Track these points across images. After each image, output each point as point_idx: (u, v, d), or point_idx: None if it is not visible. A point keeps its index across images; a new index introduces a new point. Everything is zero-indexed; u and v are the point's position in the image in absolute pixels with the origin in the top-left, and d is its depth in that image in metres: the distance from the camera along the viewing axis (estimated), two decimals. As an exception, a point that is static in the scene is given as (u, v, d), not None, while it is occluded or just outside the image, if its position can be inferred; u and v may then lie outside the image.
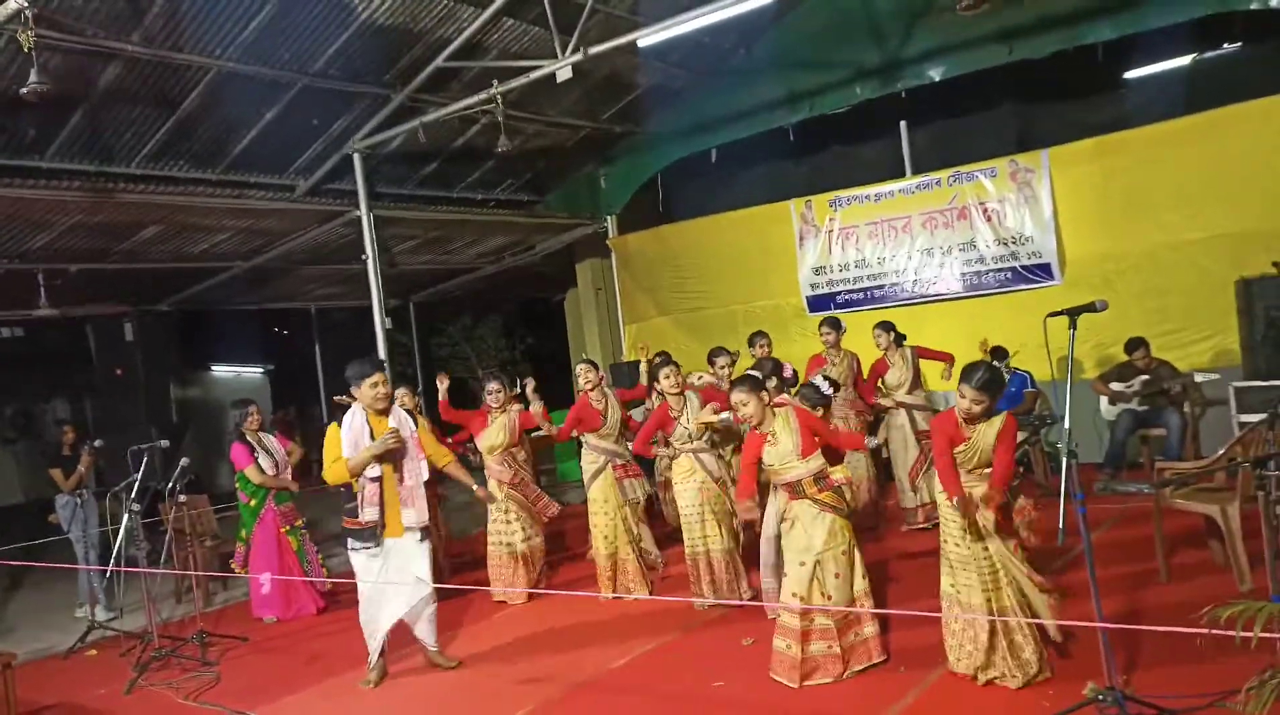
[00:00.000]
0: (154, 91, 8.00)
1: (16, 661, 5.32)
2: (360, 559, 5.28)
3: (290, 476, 7.32)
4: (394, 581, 5.26)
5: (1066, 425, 3.64)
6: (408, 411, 5.61)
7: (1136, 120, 9.22)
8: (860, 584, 4.69)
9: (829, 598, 4.56)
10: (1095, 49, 9.00)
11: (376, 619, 5.37)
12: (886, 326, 7.80)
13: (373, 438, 5.17)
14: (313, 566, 7.34)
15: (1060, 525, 3.52)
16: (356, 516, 5.19)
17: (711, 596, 6.03)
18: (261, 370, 19.85)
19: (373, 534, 5.19)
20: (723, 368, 7.10)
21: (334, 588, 7.49)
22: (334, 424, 5.23)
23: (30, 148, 8.06)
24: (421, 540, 5.34)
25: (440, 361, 17.60)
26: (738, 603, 5.90)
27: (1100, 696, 3.66)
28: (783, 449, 4.76)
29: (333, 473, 5.13)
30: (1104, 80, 9.67)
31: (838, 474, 4.75)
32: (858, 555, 4.71)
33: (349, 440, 5.16)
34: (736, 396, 4.86)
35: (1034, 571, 4.25)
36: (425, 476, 5.34)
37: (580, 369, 6.90)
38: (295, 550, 7.22)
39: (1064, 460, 3.55)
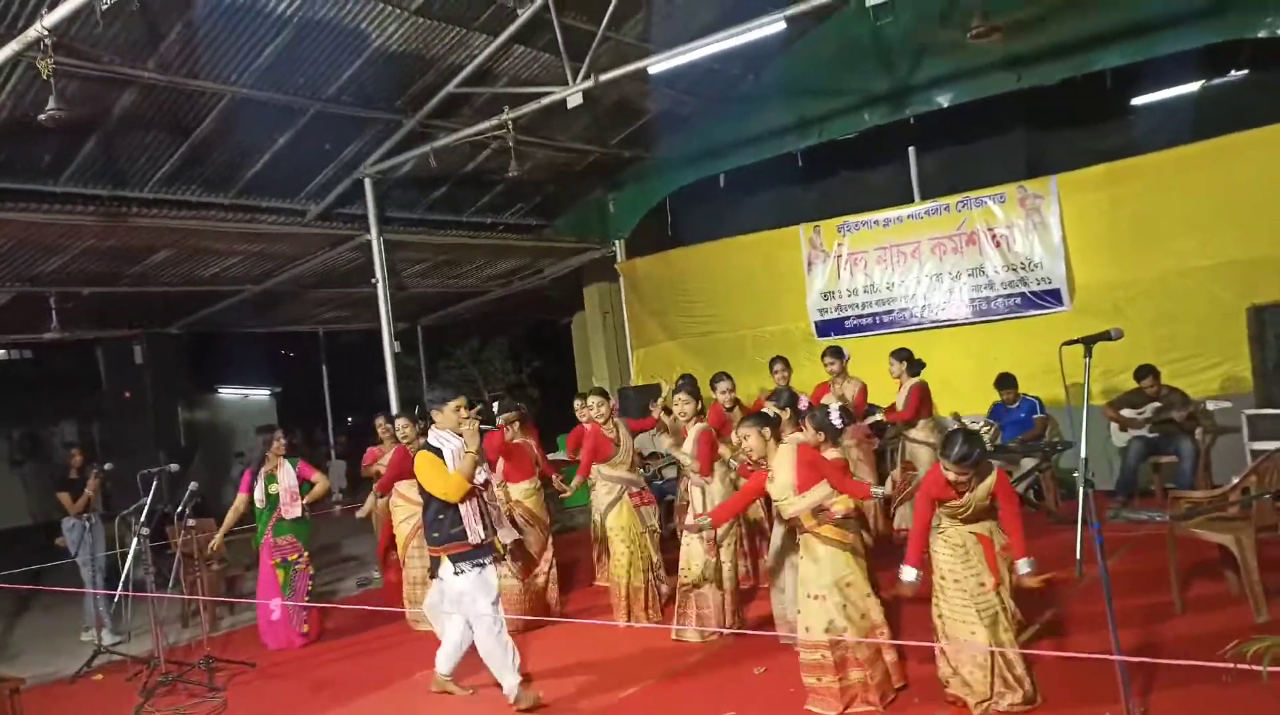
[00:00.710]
0: (168, 117, 8.07)
1: (24, 687, 5.28)
2: (472, 579, 5.07)
3: (297, 508, 7.15)
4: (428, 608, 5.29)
5: (1083, 454, 3.61)
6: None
7: (1146, 147, 9.23)
8: (875, 615, 4.62)
9: (844, 631, 4.51)
10: (1104, 76, 9.02)
11: (503, 641, 5.19)
12: (900, 355, 7.78)
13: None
14: (295, 601, 7.16)
15: (1078, 555, 3.48)
16: (464, 539, 5.04)
17: (716, 625, 6.00)
18: (269, 393, 19.87)
19: (491, 547, 5.13)
20: (724, 393, 7.11)
21: (322, 624, 7.44)
22: (425, 451, 5.11)
23: (45, 173, 8.12)
24: (495, 563, 5.30)
25: (448, 385, 17.62)
26: (750, 632, 5.87)
27: (1119, 729, 3.61)
28: (780, 484, 4.75)
29: (453, 488, 4.96)
30: (1113, 107, 9.69)
31: (838, 506, 4.66)
32: (867, 586, 4.64)
33: (450, 456, 5.06)
34: (741, 431, 4.90)
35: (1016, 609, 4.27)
36: None
37: (593, 401, 6.82)
38: (281, 584, 7.13)
39: (1081, 489, 3.52)
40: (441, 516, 5.06)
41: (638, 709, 5.05)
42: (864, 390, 7.91)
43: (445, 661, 5.50)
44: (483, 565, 5.10)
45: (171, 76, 7.52)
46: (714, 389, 7.25)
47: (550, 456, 9.50)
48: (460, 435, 5.06)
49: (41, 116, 5.82)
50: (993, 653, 4.18)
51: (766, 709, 4.71)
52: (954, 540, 4.31)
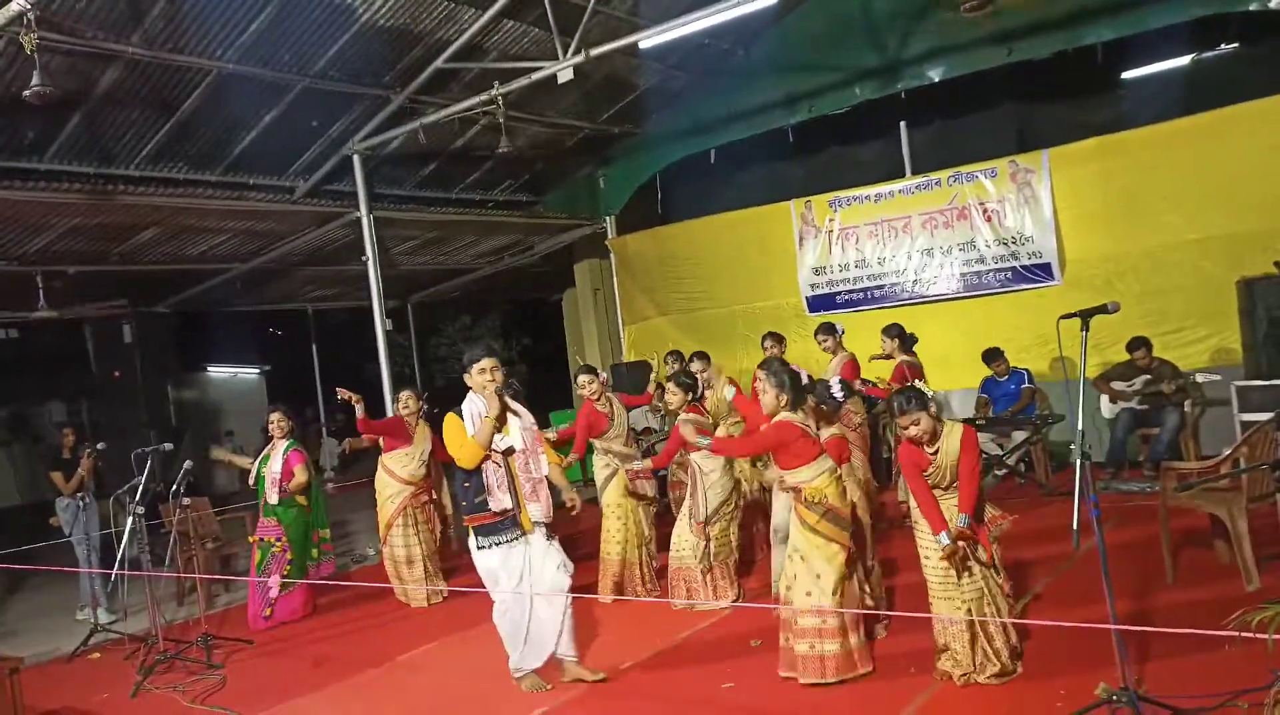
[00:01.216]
0: (154, 93, 7.99)
1: (22, 666, 5.27)
2: (496, 556, 4.85)
3: (275, 494, 7.07)
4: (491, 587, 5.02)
5: (1079, 426, 3.65)
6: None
7: (1136, 121, 9.26)
8: (827, 598, 4.54)
9: (808, 595, 4.58)
10: (1094, 49, 9.04)
11: (519, 623, 4.97)
12: (892, 331, 7.80)
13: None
14: (260, 586, 7.13)
15: (1075, 526, 3.52)
16: (485, 510, 4.83)
17: (713, 599, 6.05)
18: (258, 371, 19.79)
19: (514, 521, 4.83)
20: (702, 372, 7.08)
21: (315, 602, 7.48)
22: (452, 413, 4.90)
23: (29, 149, 8.04)
24: (550, 538, 4.98)
25: (438, 361, 17.62)
26: (740, 605, 5.93)
27: (1114, 697, 3.66)
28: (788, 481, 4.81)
29: (466, 453, 4.78)
30: (1103, 81, 9.70)
31: (810, 491, 4.63)
32: (829, 569, 4.56)
33: (470, 419, 4.89)
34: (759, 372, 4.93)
35: (1005, 580, 4.33)
36: (545, 472, 5.03)
37: (582, 379, 6.81)
38: (256, 563, 7.13)
39: (1078, 461, 3.55)
40: (467, 484, 4.88)
41: (636, 682, 5.09)
42: (851, 365, 7.92)
43: (562, 644, 5.06)
44: (508, 542, 4.84)
45: (156, 52, 7.45)
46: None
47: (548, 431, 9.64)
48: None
49: (26, 93, 5.76)
50: (975, 626, 4.24)
51: (764, 681, 4.75)
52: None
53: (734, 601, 6.06)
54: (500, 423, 4.87)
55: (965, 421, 8.77)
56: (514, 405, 5.05)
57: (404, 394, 7.57)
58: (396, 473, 7.29)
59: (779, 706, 4.49)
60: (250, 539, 7.14)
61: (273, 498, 7.06)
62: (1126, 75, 9.77)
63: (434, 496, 7.63)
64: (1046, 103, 10.18)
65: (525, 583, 4.89)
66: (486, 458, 4.82)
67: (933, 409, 4.31)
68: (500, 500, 4.81)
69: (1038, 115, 10.28)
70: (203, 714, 5.40)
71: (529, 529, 4.87)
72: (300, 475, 7.07)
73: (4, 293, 9.88)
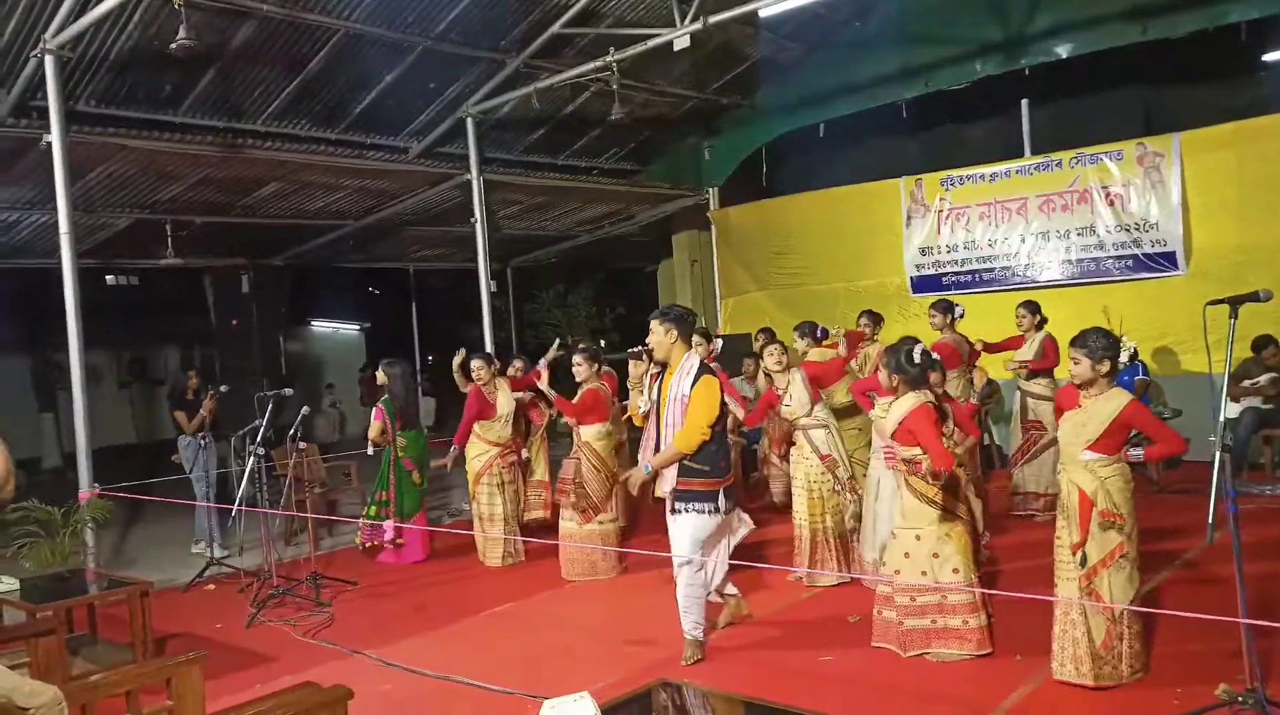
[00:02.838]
0: (283, 51, 8.23)
1: (152, 590, 5.58)
2: (677, 521, 4.83)
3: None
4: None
5: (1221, 418, 3.50)
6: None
7: (1276, 105, 8.77)
8: (945, 574, 4.56)
9: (897, 572, 4.63)
10: (1237, 29, 8.57)
11: (694, 589, 4.95)
12: (1032, 307, 7.59)
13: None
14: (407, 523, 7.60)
15: (1210, 521, 3.39)
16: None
17: (813, 571, 6.03)
18: (358, 328, 20.37)
19: (688, 492, 4.78)
20: (770, 356, 6.58)
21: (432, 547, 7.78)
22: (712, 376, 4.80)
23: (165, 103, 8.38)
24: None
25: (533, 327, 17.85)
26: (838, 575, 5.91)
27: (1239, 699, 3.54)
28: (888, 424, 4.78)
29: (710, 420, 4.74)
30: (1243, 62, 9.21)
31: (925, 464, 4.53)
32: (946, 549, 4.57)
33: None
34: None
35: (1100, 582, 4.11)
36: None
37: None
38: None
39: (1217, 454, 3.42)
40: (715, 448, 4.80)
41: (734, 651, 5.11)
42: (944, 347, 7.73)
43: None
44: (679, 511, 4.79)
45: (288, 10, 7.66)
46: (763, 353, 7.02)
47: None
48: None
49: (173, 45, 5.99)
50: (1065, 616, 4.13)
51: (862, 655, 4.74)
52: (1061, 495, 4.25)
53: (845, 574, 6.01)
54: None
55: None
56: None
57: (475, 363, 7.58)
58: (484, 436, 7.44)
59: (879, 680, 4.47)
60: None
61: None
62: (1268, 57, 9.25)
63: (520, 457, 7.79)
64: (1180, 84, 9.72)
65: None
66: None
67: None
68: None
69: (1169, 97, 9.83)
70: (313, 647, 5.64)
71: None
72: (372, 429, 7.48)
73: (134, 241, 10.36)
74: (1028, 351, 7.54)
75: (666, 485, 4.82)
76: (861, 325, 8.04)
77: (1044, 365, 7.51)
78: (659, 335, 4.82)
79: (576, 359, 6.85)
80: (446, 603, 6.42)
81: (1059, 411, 4.39)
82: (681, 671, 4.69)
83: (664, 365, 4.93)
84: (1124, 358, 4.12)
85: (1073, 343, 4.19)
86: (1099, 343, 4.12)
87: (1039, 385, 7.51)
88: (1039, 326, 7.59)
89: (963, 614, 4.57)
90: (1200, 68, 9.36)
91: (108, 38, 7.30)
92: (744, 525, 5.24)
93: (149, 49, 7.35)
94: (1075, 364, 4.16)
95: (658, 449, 4.88)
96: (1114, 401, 4.11)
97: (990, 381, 8.18)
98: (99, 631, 5.71)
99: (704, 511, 4.75)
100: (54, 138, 6.84)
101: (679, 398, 4.75)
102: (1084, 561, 4.08)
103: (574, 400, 6.81)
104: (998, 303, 8.80)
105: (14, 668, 3.68)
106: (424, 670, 5.05)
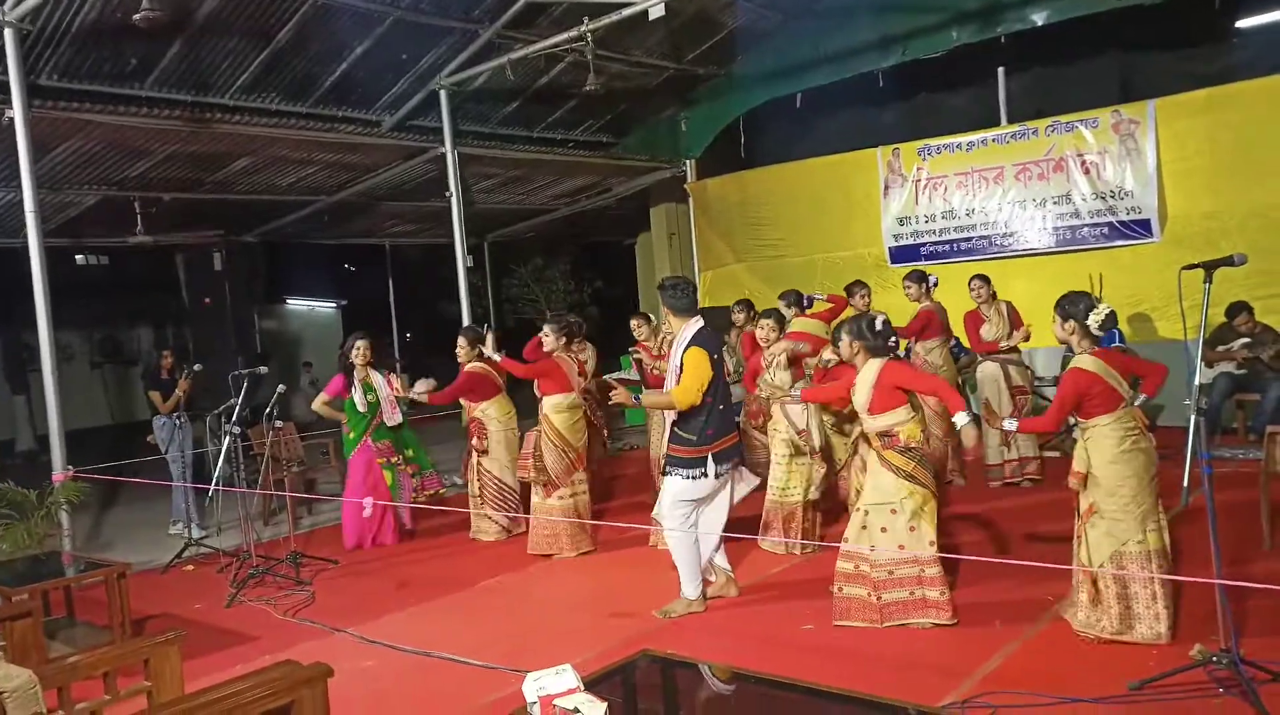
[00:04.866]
0: (251, 22, 8.08)
1: (130, 571, 5.53)
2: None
3: (398, 415, 7.32)
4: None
5: (1195, 383, 3.53)
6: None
7: (1250, 72, 8.78)
8: (921, 549, 4.60)
9: (872, 548, 4.64)
10: (1212, -6, 8.57)
11: (685, 546, 5.16)
12: (984, 278, 7.65)
13: None
14: (403, 499, 7.47)
15: (1185, 484, 3.43)
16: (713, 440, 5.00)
17: (787, 541, 6.07)
18: (335, 305, 20.19)
19: (669, 456, 5.09)
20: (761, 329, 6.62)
21: (414, 525, 7.72)
22: (698, 347, 4.92)
23: (131, 76, 8.22)
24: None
25: (510, 302, 17.76)
26: (816, 543, 5.95)
27: (1213, 659, 3.59)
28: (858, 400, 4.79)
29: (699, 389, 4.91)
30: (1217, 29, 9.21)
31: (906, 434, 4.63)
32: (922, 521, 4.61)
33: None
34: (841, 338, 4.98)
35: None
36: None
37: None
38: (389, 485, 7.35)
39: (1192, 417, 3.45)
40: (704, 417, 4.99)
41: (715, 620, 5.14)
42: (924, 316, 7.77)
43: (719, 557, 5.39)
44: (667, 474, 5.06)
45: (255, -22, 7.51)
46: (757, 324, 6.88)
47: (614, 376, 9.67)
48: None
49: (136, 16, 5.88)
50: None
51: (841, 627, 4.77)
52: None
53: (821, 543, 6.04)
54: None
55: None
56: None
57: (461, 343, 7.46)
58: (497, 418, 7.40)
59: (860, 649, 4.50)
60: (380, 462, 7.33)
61: (396, 418, 7.32)
62: (1242, 24, 9.26)
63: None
64: (1155, 51, 9.71)
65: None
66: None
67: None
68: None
69: (1145, 64, 9.82)
70: (294, 626, 5.61)
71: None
72: (401, 384, 7.41)
73: (103, 219, 10.18)
74: (997, 328, 7.56)
75: (664, 447, 5.11)
76: (859, 295, 7.85)
77: (1023, 334, 7.58)
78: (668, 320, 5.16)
79: (545, 329, 6.78)
80: (427, 580, 6.40)
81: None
82: (664, 639, 4.70)
83: None
84: (1093, 320, 4.16)
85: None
86: (1064, 304, 4.35)
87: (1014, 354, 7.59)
88: (993, 297, 7.64)
89: (940, 585, 4.62)
90: (1175, 34, 9.35)
91: (69, 9, 7.14)
92: (745, 482, 5.32)
93: (112, 21, 7.19)
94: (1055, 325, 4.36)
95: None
96: (1068, 368, 4.25)
97: (966, 350, 8.23)
98: (77, 614, 5.66)
99: (689, 476, 4.97)
100: (16, 113, 6.69)
101: (674, 368, 5.01)
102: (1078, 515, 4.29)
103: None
104: (975, 271, 8.75)
105: (-12, 651, 3.64)
106: (405, 646, 5.04)
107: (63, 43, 7.47)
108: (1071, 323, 4.28)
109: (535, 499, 6.75)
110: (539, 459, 6.59)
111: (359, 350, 7.21)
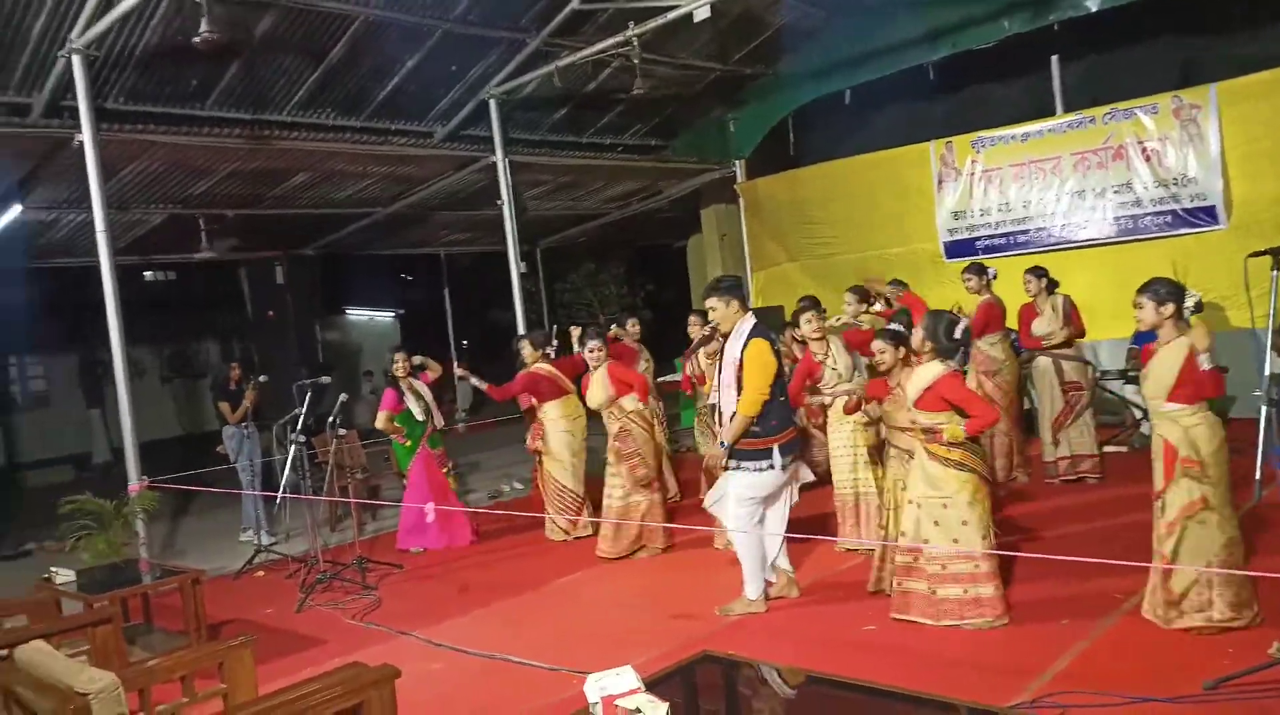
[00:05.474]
0: (304, 41, 8.27)
1: (204, 578, 5.69)
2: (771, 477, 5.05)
3: (440, 418, 7.52)
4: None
5: (1266, 373, 3.43)
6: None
7: (1316, 51, 8.51)
8: (975, 545, 4.54)
9: (925, 541, 4.60)
10: (1275, -27, 8.31)
11: (748, 544, 5.19)
12: (1038, 272, 7.51)
13: None
14: (460, 506, 7.63)
15: (1258, 477, 3.34)
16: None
17: (856, 540, 6.01)
18: (393, 314, 20.53)
19: (734, 448, 5.04)
20: (809, 323, 6.49)
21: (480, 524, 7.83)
22: (760, 338, 4.98)
23: (192, 97, 8.46)
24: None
25: (564, 307, 17.88)
26: (873, 543, 5.87)
27: (1291, 656, 3.49)
28: (910, 391, 4.76)
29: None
30: (1278, 9, 8.92)
31: (950, 434, 4.57)
32: (974, 514, 4.55)
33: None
34: (875, 344, 5.12)
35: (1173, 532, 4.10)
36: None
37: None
38: (453, 489, 7.51)
39: (1264, 409, 3.36)
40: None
41: (776, 621, 5.13)
42: (987, 308, 7.63)
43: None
44: (733, 468, 5.05)
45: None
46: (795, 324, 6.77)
47: (664, 379, 9.79)
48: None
49: (195, 39, 6.04)
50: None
51: (906, 625, 4.72)
52: None
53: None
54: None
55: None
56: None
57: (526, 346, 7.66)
58: (557, 419, 7.43)
59: (923, 649, 4.45)
60: (443, 470, 7.62)
61: (441, 422, 7.55)
62: (1309, 2, 8.96)
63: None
64: (1214, 34, 9.44)
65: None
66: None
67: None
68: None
69: (1204, 48, 9.55)
70: (362, 630, 5.73)
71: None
72: (434, 369, 7.75)
73: (169, 236, 10.50)
74: (1050, 322, 7.42)
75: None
76: (845, 304, 7.35)
77: (1079, 330, 7.43)
78: (721, 309, 5.06)
79: (590, 343, 6.90)
80: (490, 583, 6.49)
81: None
82: (726, 640, 4.71)
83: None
84: (1189, 304, 4.10)
85: (1138, 292, 4.28)
86: (1163, 287, 4.23)
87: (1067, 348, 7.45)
88: (1049, 290, 7.47)
89: (993, 581, 4.58)
90: (1234, 16, 9.09)
91: (133, 34, 7.38)
92: (801, 478, 5.34)
93: (173, 44, 7.41)
94: (1139, 309, 4.25)
95: (720, 413, 5.10)
96: (1177, 347, 4.10)
97: (1022, 348, 8.07)
98: (153, 620, 5.85)
99: (758, 469, 4.97)
100: (85, 136, 6.94)
101: (732, 361, 4.99)
102: (1163, 509, 4.14)
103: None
104: (1033, 264, 8.58)
105: (74, 656, 3.79)
106: (469, 649, 5.12)
107: (127, 67, 7.72)
108: (1171, 305, 4.18)
109: (627, 499, 6.70)
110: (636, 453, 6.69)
111: (399, 361, 7.39)
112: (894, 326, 5.26)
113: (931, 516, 4.64)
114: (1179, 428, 4.10)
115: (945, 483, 4.59)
